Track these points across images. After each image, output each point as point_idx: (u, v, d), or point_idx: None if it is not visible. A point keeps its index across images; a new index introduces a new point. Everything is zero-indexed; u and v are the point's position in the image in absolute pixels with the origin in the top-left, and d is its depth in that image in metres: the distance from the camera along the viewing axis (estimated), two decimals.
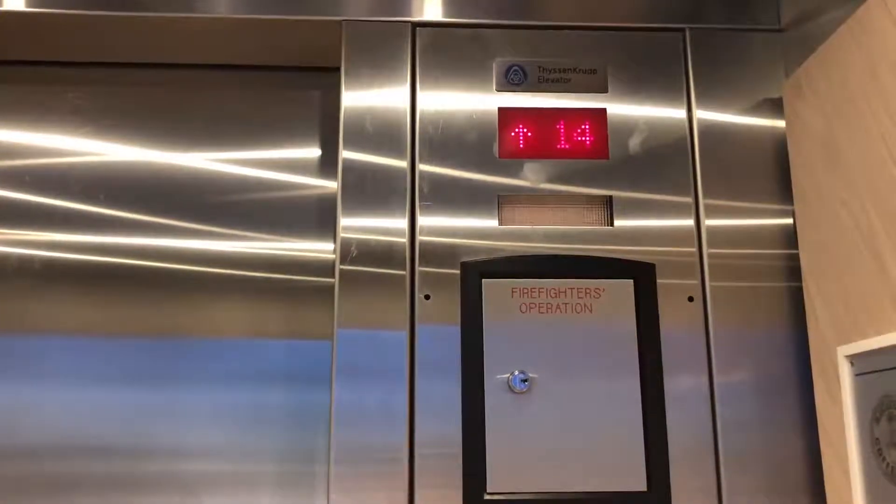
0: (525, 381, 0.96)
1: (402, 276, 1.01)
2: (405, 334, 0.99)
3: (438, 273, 1.01)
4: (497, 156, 1.06)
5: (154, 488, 1.07)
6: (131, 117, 1.20)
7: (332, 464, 0.94)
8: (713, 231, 1.04)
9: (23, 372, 1.10)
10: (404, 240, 1.02)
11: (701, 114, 1.08)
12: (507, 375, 0.97)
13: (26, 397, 1.09)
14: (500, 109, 1.07)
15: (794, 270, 1.01)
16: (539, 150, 1.06)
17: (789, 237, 1.03)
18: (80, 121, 1.20)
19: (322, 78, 1.18)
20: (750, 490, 0.95)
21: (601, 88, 1.09)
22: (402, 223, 1.03)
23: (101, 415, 1.09)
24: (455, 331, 0.98)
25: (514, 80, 1.08)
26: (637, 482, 0.95)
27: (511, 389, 0.96)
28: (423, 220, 1.03)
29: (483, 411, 0.95)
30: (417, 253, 1.02)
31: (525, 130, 1.06)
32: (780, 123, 1.07)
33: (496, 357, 0.97)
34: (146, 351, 1.12)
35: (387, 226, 1.02)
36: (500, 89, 1.08)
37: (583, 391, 0.97)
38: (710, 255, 1.03)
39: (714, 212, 1.04)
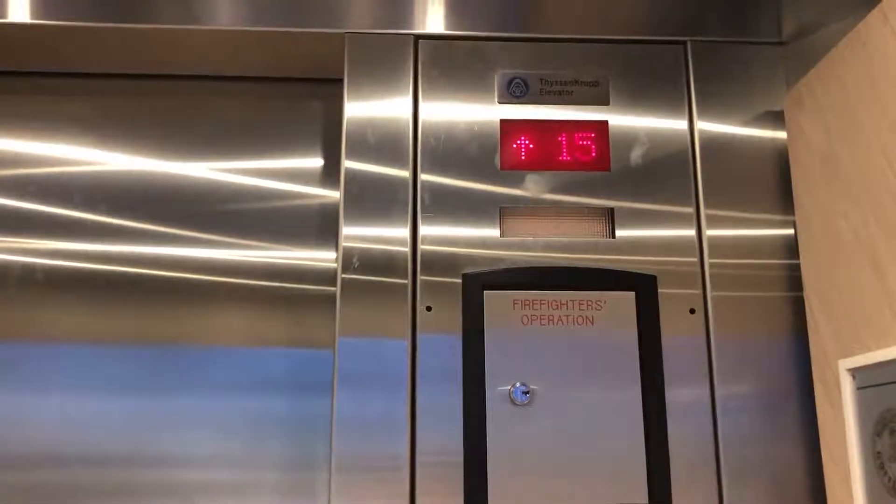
0: (526, 393, 0.96)
1: (404, 286, 1.01)
2: (406, 343, 0.99)
3: (440, 282, 1.01)
4: (499, 167, 1.06)
5: (155, 497, 1.07)
6: (134, 127, 1.20)
7: (333, 472, 0.94)
8: (714, 241, 1.04)
9: (24, 380, 1.11)
10: (406, 249, 1.02)
11: (702, 125, 1.08)
12: (509, 387, 0.97)
13: (26, 404, 1.09)
14: (502, 121, 1.07)
15: (795, 280, 1.01)
16: (541, 161, 1.06)
17: (790, 247, 1.03)
18: (83, 131, 1.20)
19: (325, 89, 1.18)
20: (751, 501, 0.95)
21: (603, 101, 1.09)
22: (403, 232, 1.03)
23: (102, 423, 1.09)
24: (456, 340, 0.98)
25: (515, 92, 1.09)
26: (638, 494, 0.95)
27: (512, 401, 0.96)
28: (424, 230, 1.03)
29: (484, 423, 0.95)
30: (419, 262, 1.02)
31: (527, 142, 1.06)
32: (782, 135, 1.07)
33: (497, 369, 0.97)
34: (147, 359, 1.12)
35: (389, 235, 1.03)
36: (502, 101, 1.08)
37: (584, 403, 0.97)
38: (711, 266, 1.03)
39: (715, 222, 1.05)
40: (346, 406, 0.97)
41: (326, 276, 1.15)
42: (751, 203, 1.05)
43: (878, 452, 0.82)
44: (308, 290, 1.15)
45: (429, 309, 1.00)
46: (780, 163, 1.06)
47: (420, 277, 1.01)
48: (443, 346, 0.99)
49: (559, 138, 1.07)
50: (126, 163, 1.20)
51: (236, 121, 1.21)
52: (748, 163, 1.07)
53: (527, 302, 1.00)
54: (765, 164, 1.07)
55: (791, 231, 1.04)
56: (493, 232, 1.03)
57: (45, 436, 1.08)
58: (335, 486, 0.94)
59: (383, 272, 1.01)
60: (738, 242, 1.04)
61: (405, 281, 1.01)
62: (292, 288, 1.16)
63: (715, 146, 1.07)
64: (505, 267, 1.02)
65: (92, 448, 1.08)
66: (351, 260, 1.01)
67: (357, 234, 1.02)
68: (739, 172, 1.06)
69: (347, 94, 1.08)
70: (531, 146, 1.06)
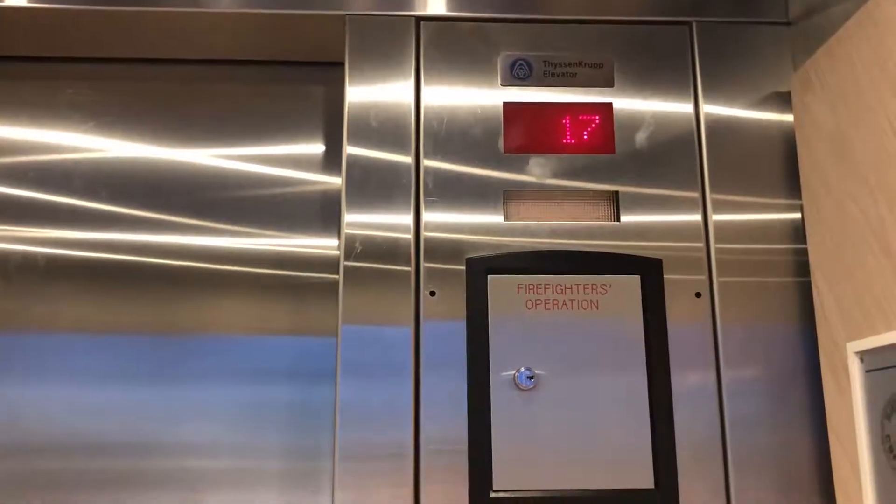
0: (531, 377, 0.95)
1: (407, 273, 1.00)
2: (410, 330, 0.98)
3: (444, 269, 1.00)
4: (502, 151, 1.05)
5: (157, 486, 1.07)
6: (133, 113, 1.20)
7: (337, 461, 0.94)
8: (721, 226, 1.03)
9: (26, 369, 1.10)
10: (409, 236, 1.01)
11: (708, 108, 1.07)
12: (513, 372, 0.96)
13: (30, 394, 1.09)
14: (505, 104, 1.06)
15: (802, 265, 1.00)
16: (544, 145, 1.05)
17: (797, 232, 1.02)
18: (82, 117, 1.19)
19: (326, 73, 1.17)
20: (758, 487, 0.95)
21: (607, 82, 1.08)
22: (406, 219, 1.02)
23: (105, 412, 1.09)
24: (460, 327, 0.98)
25: (519, 74, 1.08)
26: (644, 479, 0.94)
27: (517, 386, 0.96)
28: (427, 216, 1.02)
29: (489, 408, 0.95)
30: (422, 249, 1.01)
31: (530, 125, 1.05)
32: (789, 117, 1.06)
33: (502, 354, 0.97)
34: (150, 348, 1.12)
35: (391, 222, 1.02)
36: (505, 84, 1.07)
37: (589, 388, 0.96)
38: (717, 251, 1.02)
39: (721, 207, 1.03)
40: (349, 394, 0.96)
41: (329, 264, 1.14)
42: (757, 186, 1.04)
43: (887, 436, 0.82)
44: (311, 277, 1.15)
45: (432, 294, 0.99)
46: (786, 146, 1.05)
47: (423, 264, 1.00)
48: (447, 333, 0.98)
49: (563, 121, 1.06)
50: (126, 150, 1.19)
51: (237, 106, 1.20)
52: (754, 145, 1.05)
53: (531, 286, 0.99)
54: (772, 147, 1.05)
55: (798, 215, 1.03)
56: (496, 216, 1.02)
57: (46, 425, 1.08)
58: (339, 475, 0.94)
59: (386, 259, 1.00)
60: (744, 226, 1.03)
61: (408, 268, 1.00)
62: (295, 276, 1.15)
63: (721, 129, 1.06)
64: (509, 251, 1.01)
65: (93, 437, 1.08)
66: (353, 245, 1.00)
67: (359, 221, 1.02)
68: (746, 155, 1.05)
69: (349, 78, 1.06)
70: (535, 129, 1.05)
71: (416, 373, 0.97)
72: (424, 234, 1.01)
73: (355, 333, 0.98)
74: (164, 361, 1.11)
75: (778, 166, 1.05)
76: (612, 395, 0.96)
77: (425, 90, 1.06)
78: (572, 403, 0.96)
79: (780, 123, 1.06)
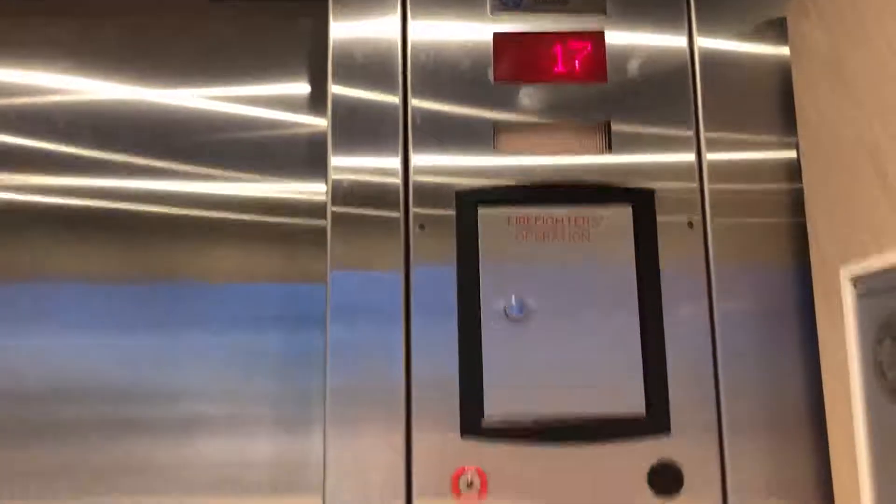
0: (522, 308, 0.95)
1: (397, 211, 0.98)
2: (400, 274, 0.97)
3: (433, 204, 0.98)
4: (492, 82, 1.02)
5: (149, 432, 1.06)
6: (112, 50, 1.16)
7: (328, 405, 0.93)
8: (715, 165, 1.01)
9: (14, 318, 1.09)
10: (398, 180, 1.00)
11: (702, 41, 1.04)
12: (504, 303, 0.95)
13: (18, 343, 1.08)
14: (495, 34, 1.03)
15: (797, 204, 0.99)
16: (535, 75, 1.03)
17: (792, 170, 1.01)
18: (60, 54, 1.16)
19: (311, 7, 1.14)
20: (750, 420, 0.94)
21: (599, 9, 1.05)
22: (395, 162, 1.00)
23: (94, 360, 1.08)
24: (451, 269, 0.97)
25: (508, 2, 1.05)
26: (636, 406, 0.94)
27: (507, 317, 0.95)
28: (416, 159, 1.00)
29: (479, 339, 0.94)
30: (411, 187, 0.99)
31: (521, 55, 1.03)
32: (784, 50, 1.04)
33: (492, 285, 0.96)
34: (138, 296, 1.11)
35: (380, 165, 1.00)
36: (495, 12, 1.05)
37: (580, 318, 0.95)
38: (711, 192, 1.01)
39: (716, 145, 1.02)
40: (340, 338, 0.95)
41: (317, 209, 1.12)
42: (752, 123, 1.02)
43: (880, 361, 0.81)
44: (299, 223, 1.13)
45: (422, 227, 0.98)
46: (782, 80, 1.03)
47: (413, 209, 0.98)
48: (437, 274, 0.97)
49: (554, 49, 1.03)
50: (107, 90, 1.16)
51: (219, 41, 1.17)
52: (750, 80, 1.03)
53: (521, 218, 0.98)
54: (767, 83, 1.03)
55: (793, 153, 1.01)
56: (486, 151, 1.01)
57: (35, 373, 1.07)
58: (331, 419, 0.93)
59: (375, 203, 0.99)
60: (738, 165, 1.01)
61: (397, 213, 0.98)
62: (283, 222, 1.13)
63: (715, 63, 1.04)
64: (499, 184, 0.99)
65: (82, 384, 1.07)
66: (341, 189, 0.99)
67: (347, 164, 1.00)
68: (740, 90, 1.03)
69: (333, 13, 1.04)
70: (525, 59, 1.03)
71: (406, 315, 0.96)
72: (413, 176, 1.00)
73: (345, 278, 0.97)
74: (151, 309, 1.10)
75: (774, 103, 1.03)
76: (604, 325, 0.95)
77: (412, 23, 1.04)
78: (563, 333, 0.95)
79: (776, 57, 1.04)
